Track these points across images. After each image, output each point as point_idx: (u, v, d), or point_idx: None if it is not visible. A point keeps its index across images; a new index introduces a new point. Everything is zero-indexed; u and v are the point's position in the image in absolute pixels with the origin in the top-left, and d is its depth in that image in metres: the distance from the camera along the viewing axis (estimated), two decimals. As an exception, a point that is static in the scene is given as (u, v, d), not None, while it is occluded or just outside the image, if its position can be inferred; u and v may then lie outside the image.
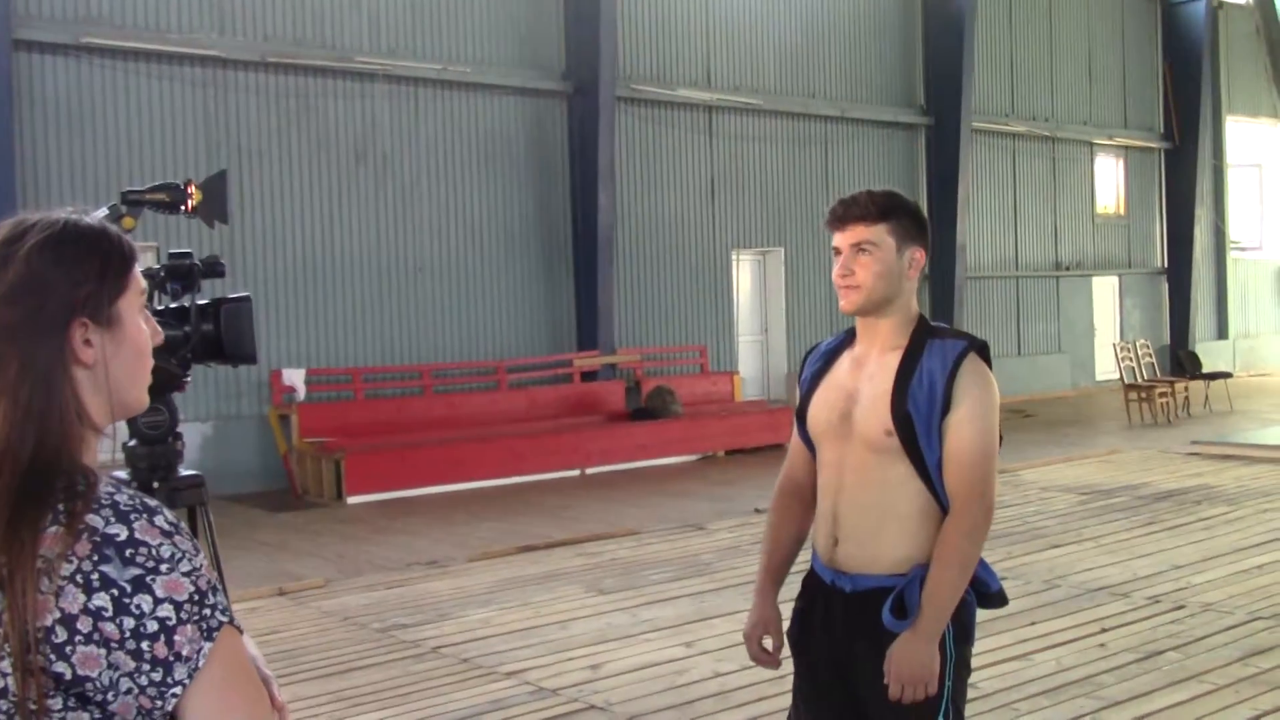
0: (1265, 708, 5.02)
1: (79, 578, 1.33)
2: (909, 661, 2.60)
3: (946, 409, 2.63)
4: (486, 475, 12.47)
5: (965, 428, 2.63)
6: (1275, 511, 9.39)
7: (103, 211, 2.86)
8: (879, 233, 2.70)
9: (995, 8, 20.05)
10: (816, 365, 2.89)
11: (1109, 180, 22.49)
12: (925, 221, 2.80)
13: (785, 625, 2.92)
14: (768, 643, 2.90)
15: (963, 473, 2.63)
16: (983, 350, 2.71)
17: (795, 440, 2.95)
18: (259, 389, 12.68)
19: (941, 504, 2.68)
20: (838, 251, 2.74)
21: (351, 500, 11.62)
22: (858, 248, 2.70)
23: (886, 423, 2.66)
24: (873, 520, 2.71)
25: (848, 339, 2.87)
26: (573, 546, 9.02)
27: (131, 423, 2.79)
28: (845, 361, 2.82)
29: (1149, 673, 5.54)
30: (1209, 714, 4.98)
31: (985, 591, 2.77)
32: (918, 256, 2.74)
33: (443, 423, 13.32)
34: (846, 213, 2.71)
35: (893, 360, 2.70)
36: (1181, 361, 19.39)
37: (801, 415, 2.88)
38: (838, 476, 2.76)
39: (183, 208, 3.05)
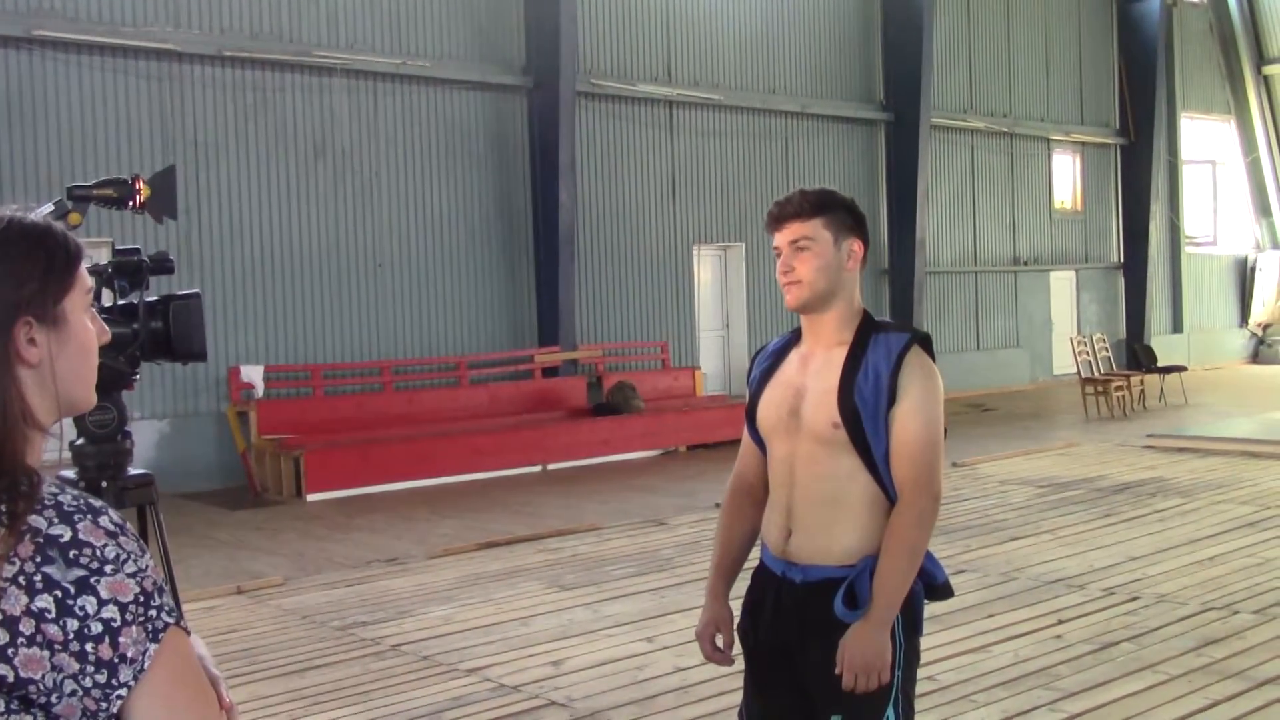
0: (1217, 697, 5.09)
1: (21, 579, 1.31)
2: (861, 651, 2.63)
3: (892, 401, 2.69)
4: (447, 472, 12.42)
5: (911, 419, 2.69)
6: (1228, 503, 9.52)
7: (48, 208, 2.82)
8: (815, 228, 2.76)
9: (954, 5, 20.17)
10: (765, 364, 2.94)
11: (1066, 176, 22.70)
12: (862, 215, 2.86)
13: (737, 621, 2.96)
14: (720, 640, 2.93)
15: (910, 463, 2.69)
16: (925, 342, 2.77)
17: (746, 439, 3.00)
18: (217, 386, 12.57)
19: (889, 495, 2.73)
20: (778, 251, 2.82)
21: (311, 498, 11.55)
22: (796, 245, 2.77)
23: (834, 416, 2.71)
24: (825, 512, 2.76)
25: (794, 338, 2.92)
26: (534, 542, 9.01)
27: (79, 421, 2.75)
28: (793, 359, 2.88)
29: (1104, 663, 5.61)
30: (1163, 703, 5.04)
31: (932, 583, 2.82)
32: (856, 248, 2.81)
33: (403, 419, 13.26)
34: (782, 212, 2.80)
35: (838, 356, 2.76)
36: (1137, 355, 19.60)
37: (751, 414, 2.93)
38: (789, 471, 2.81)
39: (130, 203, 3.01)
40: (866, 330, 2.78)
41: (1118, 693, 5.19)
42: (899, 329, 2.79)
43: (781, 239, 2.80)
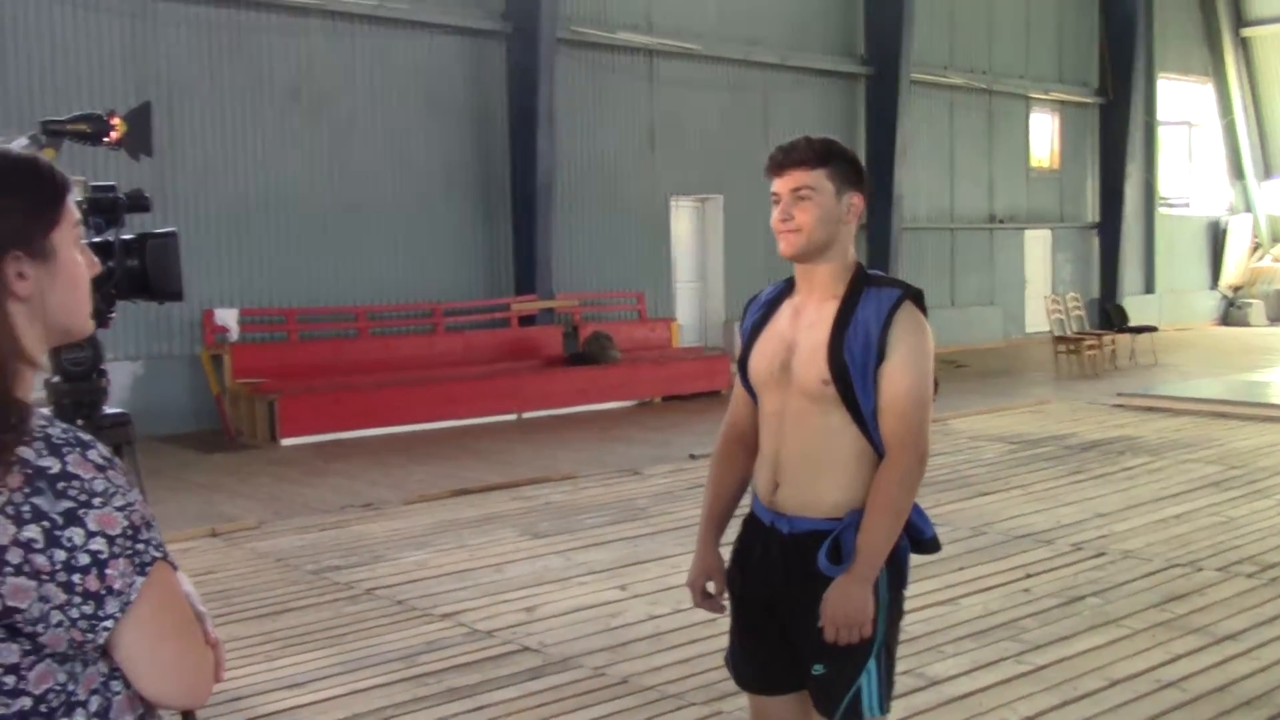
0: (1179, 651, 5.18)
1: (9, 509, 1.32)
2: (843, 605, 2.65)
3: (881, 357, 2.67)
4: (422, 419, 12.41)
5: (899, 376, 2.66)
6: (1195, 463, 9.63)
7: (23, 141, 2.78)
8: (818, 178, 2.71)
9: (937, -42, 20.05)
10: (757, 315, 2.90)
11: (1043, 134, 22.70)
12: (862, 168, 2.82)
13: (726, 568, 2.95)
14: (711, 588, 2.93)
15: (897, 420, 2.67)
16: (917, 298, 2.73)
17: (738, 389, 2.97)
18: (191, 329, 12.49)
19: (878, 450, 2.72)
20: (777, 197, 2.76)
21: (285, 442, 11.53)
22: (797, 193, 2.72)
23: (824, 373, 2.69)
24: (812, 466, 2.75)
25: (787, 288, 2.88)
26: (508, 490, 9.04)
27: (54, 358, 2.73)
28: (785, 311, 2.84)
29: (1070, 617, 5.69)
30: (1126, 657, 5.12)
31: (919, 538, 2.82)
32: (856, 201, 2.76)
33: (378, 365, 13.23)
34: (786, 159, 2.73)
35: (830, 310, 2.73)
36: (1109, 315, 19.70)
37: (743, 365, 2.90)
38: (779, 424, 2.79)
39: (105, 139, 2.96)
40: (858, 284, 2.74)
41: (1083, 646, 5.27)
42: (891, 284, 2.75)
43: (782, 186, 2.74)
